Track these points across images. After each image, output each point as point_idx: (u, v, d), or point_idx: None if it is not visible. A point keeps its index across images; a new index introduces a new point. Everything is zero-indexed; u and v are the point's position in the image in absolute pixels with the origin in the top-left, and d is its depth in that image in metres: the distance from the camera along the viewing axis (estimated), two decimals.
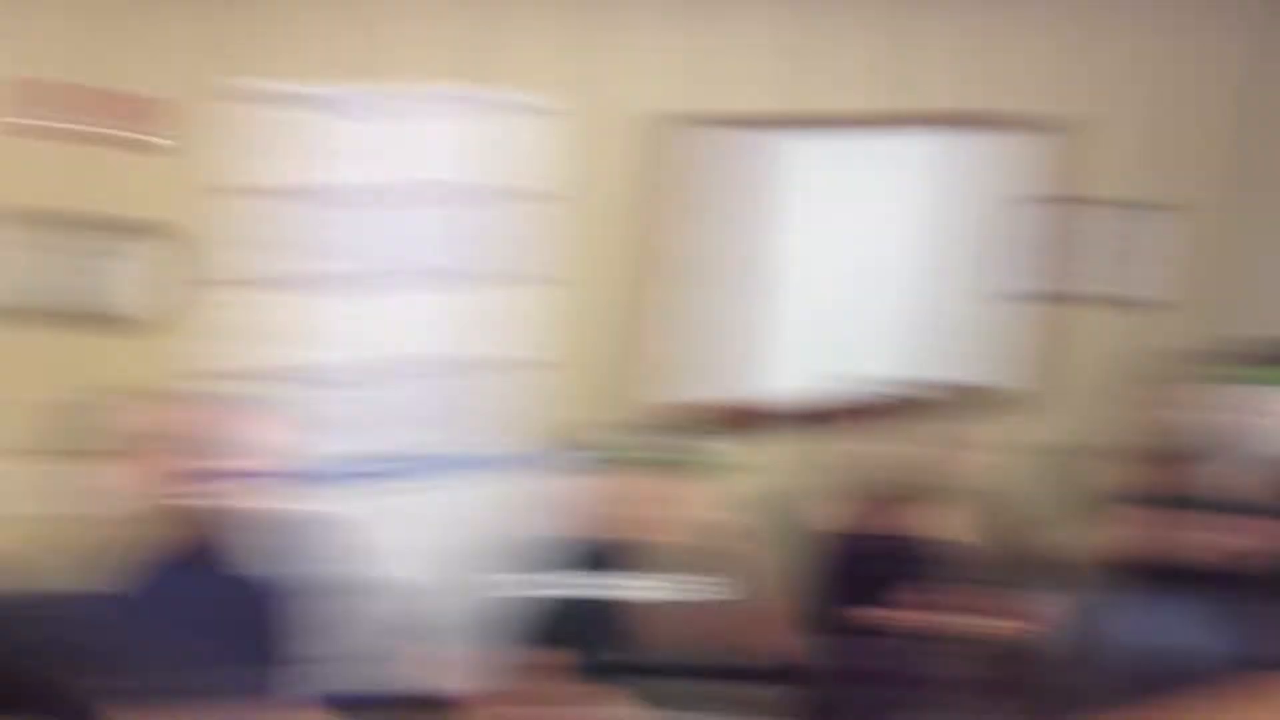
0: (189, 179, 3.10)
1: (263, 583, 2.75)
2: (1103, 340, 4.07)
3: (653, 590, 3.13)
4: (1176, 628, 3.45)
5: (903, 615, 3.29)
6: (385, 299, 3.34)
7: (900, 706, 3.29)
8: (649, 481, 3.13)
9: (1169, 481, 3.64)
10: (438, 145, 3.34)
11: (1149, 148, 4.08)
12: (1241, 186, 4.18)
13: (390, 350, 3.37)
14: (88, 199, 3.02)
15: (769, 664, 3.17)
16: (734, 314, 3.69)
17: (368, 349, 3.35)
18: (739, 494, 3.48)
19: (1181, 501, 3.60)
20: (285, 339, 3.25)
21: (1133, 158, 4.05)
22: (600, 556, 3.13)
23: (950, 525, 3.49)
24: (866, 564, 3.41)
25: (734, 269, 3.66)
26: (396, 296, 3.35)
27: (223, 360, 3.14)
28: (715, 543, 3.17)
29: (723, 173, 3.62)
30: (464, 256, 3.40)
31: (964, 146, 3.85)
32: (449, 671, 3.11)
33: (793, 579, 3.49)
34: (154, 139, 3.04)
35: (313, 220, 3.24)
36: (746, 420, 3.69)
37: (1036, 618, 3.42)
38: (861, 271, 3.82)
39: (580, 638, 3.02)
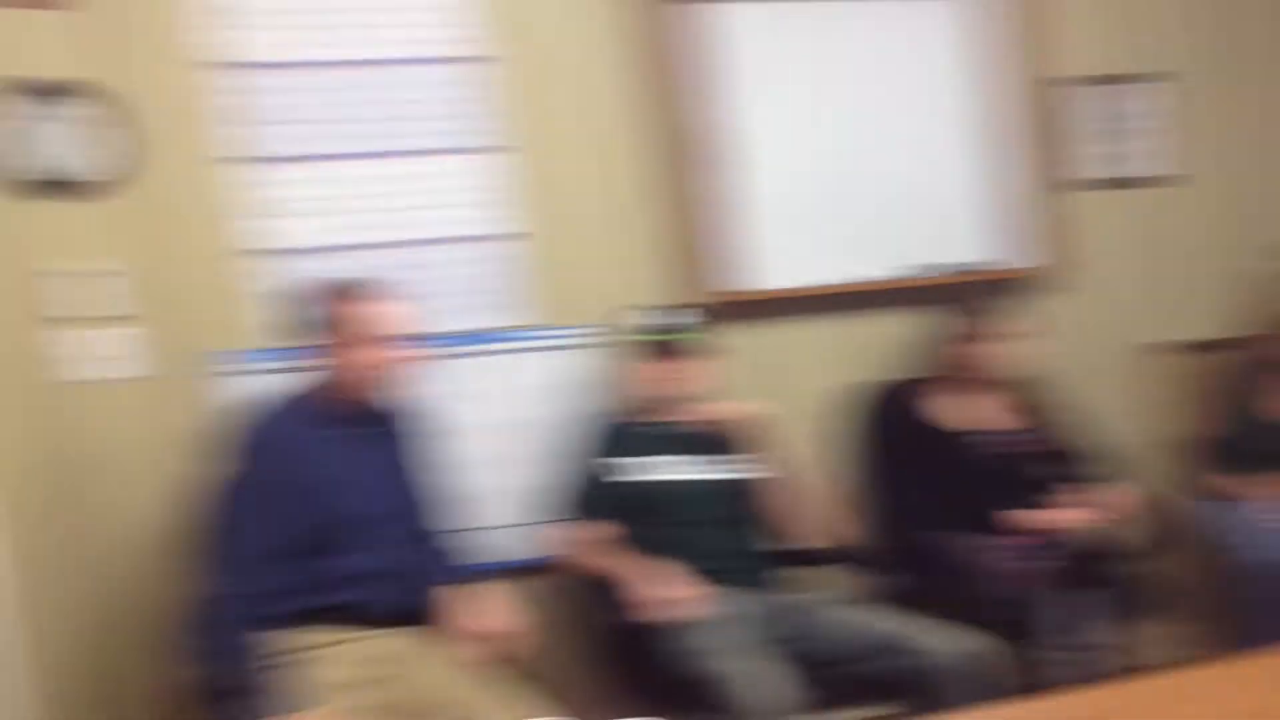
0: (132, 44, 2.97)
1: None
2: (1120, 221, 3.90)
3: (698, 468, 3.11)
4: None
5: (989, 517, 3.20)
6: (395, 168, 3.20)
7: (992, 601, 3.16)
8: (686, 362, 3.12)
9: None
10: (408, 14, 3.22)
11: (1129, 18, 3.93)
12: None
13: (425, 224, 3.24)
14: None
15: (822, 546, 3.17)
16: (753, 196, 3.50)
17: (383, 223, 3.20)
18: (765, 378, 3.49)
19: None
20: (258, 204, 3.10)
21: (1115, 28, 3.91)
22: (649, 434, 3.12)
23: (1010, 413, 3.41)
24: (929, 450, 3.33)
25: (748, 148, 3.49)
26: (410, 166, 3.22)
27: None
28: (754, 426, 3.12)
29: (702, 38, 3.45)
30: (456, 127, 3.25)
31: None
32: (538, 540, 3.17)
33: (847, 464, 3.45)
34: None
35: (272, 80, 3.10)
36: (772, 306, 3.55)
37: (1121, 509, 3.31)
38: (859, 151, 3.63)
39: (636, 513, 3.02)
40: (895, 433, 3.38)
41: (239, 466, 2.59)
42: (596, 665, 3.07)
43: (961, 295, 3.47)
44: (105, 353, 2.93)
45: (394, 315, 2.72)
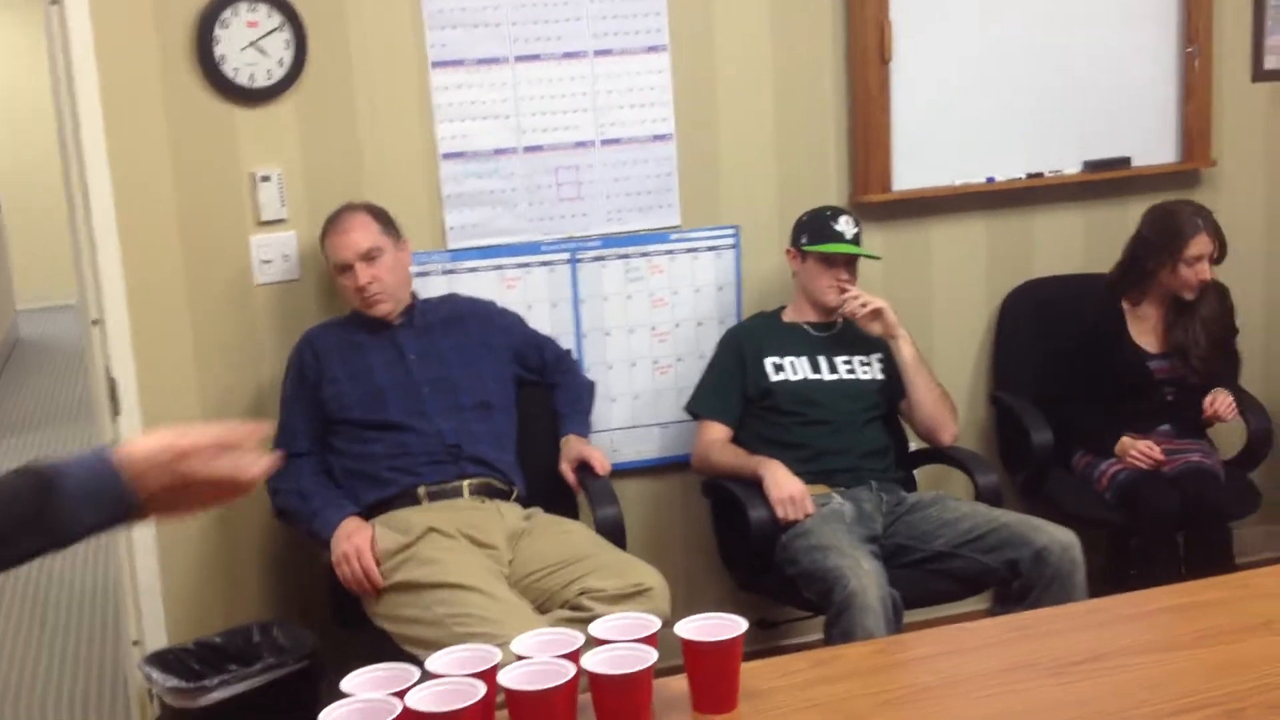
0: None
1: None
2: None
3: (836, 367, 3.16)
4: None
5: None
6: (548, 71, 3.23)
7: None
8: (839, 264, 3.12)
9: None
10: None
11: None
12: None
13: (583, 125, 3.27)
14: None
15: (951, 446, 3.19)
16: (915, 94, 3.47)
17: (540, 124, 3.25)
18: (919, 279, 3.51)
19: None
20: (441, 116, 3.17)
21: None
22: (791, 334, 3.17)
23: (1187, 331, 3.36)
24: (1090, 359, 3.37)
25: (911, 44, 3.44)
26: (569, 68, 3.24)
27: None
28: (894, 325, 3.14)
29: None
30: (614, 27, 3.26)
31: None
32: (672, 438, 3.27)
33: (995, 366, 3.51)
34: None
35: None
36: (930, 205, 3.54)
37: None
38: (1029, 47, 3.55)
39: (770, 412, 3.10)
40: (1077, 338, 3.37)
41: (288, 375, 2.93)
42: (718, 561, 3.21)
43: (1156, 212, 3.35)
44: (273, 255, 3.06)
45: (352, 240, 2.87)
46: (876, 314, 3.10)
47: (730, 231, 3.39)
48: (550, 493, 2.98)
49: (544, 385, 3.13)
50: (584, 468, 2.97)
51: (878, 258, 3.31)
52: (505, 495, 2.88)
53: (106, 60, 2.92)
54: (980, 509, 2.95)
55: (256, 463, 1.37)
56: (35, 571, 4.47)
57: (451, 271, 3.20)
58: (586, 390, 3.17)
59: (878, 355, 3.18)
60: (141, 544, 3.06)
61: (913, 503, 3.04)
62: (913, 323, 3.27)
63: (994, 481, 3.09)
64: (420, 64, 3.12)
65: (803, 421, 3.09)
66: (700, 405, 3.19)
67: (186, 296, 3.05)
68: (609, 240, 3.32)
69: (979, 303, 3.60)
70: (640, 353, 3.37)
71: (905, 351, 3.13)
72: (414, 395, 2.89)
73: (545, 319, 3.27)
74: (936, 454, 3.25)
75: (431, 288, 3.15)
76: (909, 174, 3.47)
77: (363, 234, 2.90)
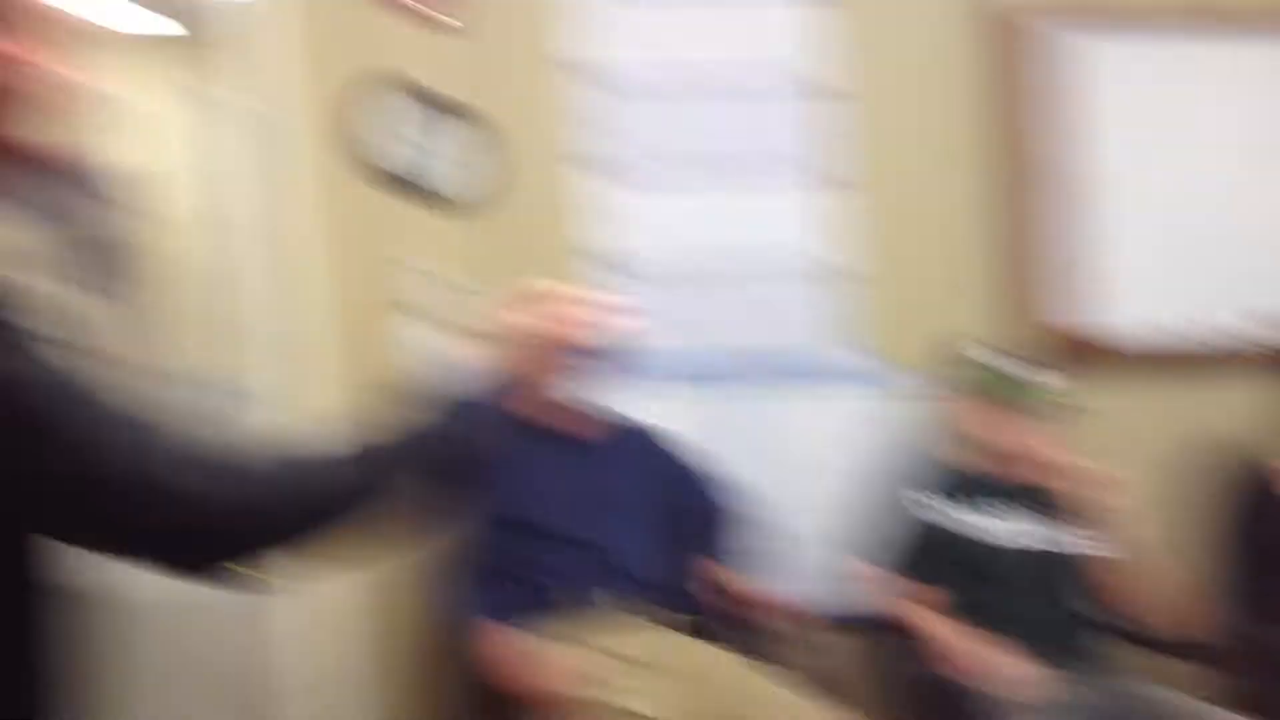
0: (499, 59, 3.08)
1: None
2: None
3: (1032, 531, 2.91)
4: None
5: None
6: (711, 193, 3.20)
7: None
8: (1031, 416, 2.90)
9: None
10: (760, 34, 3.20)
11: None
12: None
13: (724, 247, 3.22)
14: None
15: (1166, 634, 2.88)
16: (1101, 233, 3.32)
17: (690, 244, 3.21)
18: (1105, 440, 3.16)
19: None
20: (605, 226, 3.15)
21: None
22: (967, 487, 2.94)
23: None
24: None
25: (1077, 181, 3.32)
26: (725, 191, 3.20)
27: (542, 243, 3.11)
28: (1089, 491, 2.89)
29: (1059, 74, 3.29)
30: (798, 154, 3.22)
31: None
32: (845, 590, 3.05)
33: (1197, 543, 3.18)
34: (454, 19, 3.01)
35: (631, 107, 3.15)
36: (1120, 359, 3.34)
37: None
38: (1203, 195, 3.39)
39: (957, 572, 2.85)
40: (1257, 518, 3.09)
41: None
42: None
43: None
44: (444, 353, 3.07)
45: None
46: (1081, 482, 2.90)
47: (906, 369, 3.20)
48: (728, 628, 2.81)
49: (720, 517, 3.00)
50: (763, 607, 2.84)
51: (1052, 393, 3.00)
52: (679, 624, 2.74)
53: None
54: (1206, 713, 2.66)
55: None
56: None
57: (641, 391, 3.08)
58: (765, 528, 3.02)
59: (1085, 522, 2.93)
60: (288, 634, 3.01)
61: (1129, 695, 2.75)
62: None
63: (1223, 682, 2.81)
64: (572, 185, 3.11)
65: (997, 587, 2.86)
66: (878, 557, 2.95)
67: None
68: (774, 373, 3.23)
69: (1169, 470, 3.29)
70: (802, 494, 3.21)
71: (1115, 524, 2.90)
72: (589, 506, 2.80)
73: (727, 449, 3.10)
74: (1153, 640, 2.92)
75: (618, 405, 3.01)
76: (1099, 317, 3.31)
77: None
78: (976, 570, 2.84)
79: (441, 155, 3.02)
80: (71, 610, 1.29)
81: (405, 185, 3.00)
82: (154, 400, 1.21)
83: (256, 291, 2.93)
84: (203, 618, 4.70)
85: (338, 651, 3.06)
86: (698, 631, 2.73)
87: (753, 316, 3.18)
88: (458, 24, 3.04)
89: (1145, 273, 3.33)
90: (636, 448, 2.98)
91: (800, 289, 3.19)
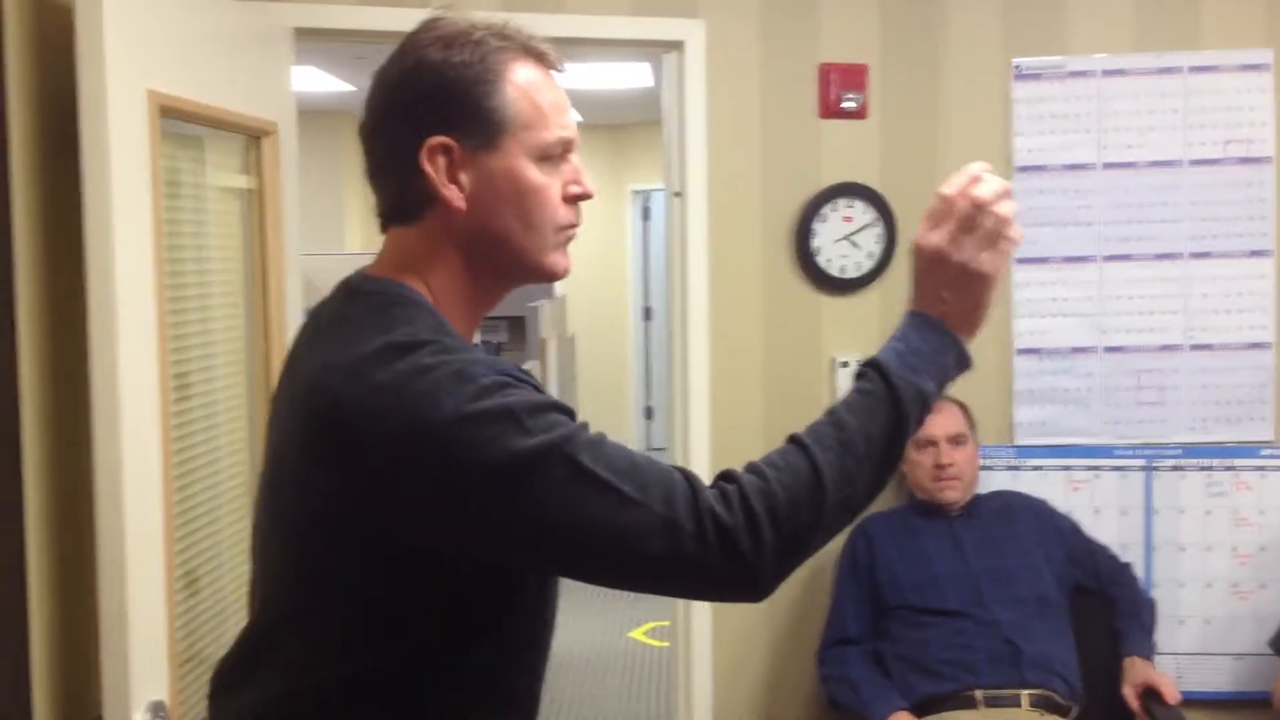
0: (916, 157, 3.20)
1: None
2: None
3: None
4: None
5: None
6: (1154, 270, 3.20)
7: None
8: None
9: None
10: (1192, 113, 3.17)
11: None
12: None
13: (1177, 328, 3.21)
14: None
15: None
16: None
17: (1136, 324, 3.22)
18: None
19: None
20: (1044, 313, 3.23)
21: None
22: None
23: None
24: None
25: None
26: (1167, 268, 3.20)
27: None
28: None
29: None
30: (1220, 229, 3.17)
31: None
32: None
33: None
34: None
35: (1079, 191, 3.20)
36: None
37: None
38: None
39: None
40: None
41: (841, 561, 3.01)
42: None
43: None
44: None
45: (940, 420, 2.92)
46: None
47: None
48: (1107, 716, 2.83)
49: (1100, 596, 3.00)
50: (1149, 694, 2.80)
51: None
52: (1064, 712, 2.75)
53: (716, 243, 3.19)
54: None
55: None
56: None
57: (1016, 468, 3.18)
58: (1147, 607, 2.99)
59: None
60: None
61: None
62: None
63: None
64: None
65: None
66: None
67: None
68: (1190, 450, 3.17)
69: None
70: (1217, 574, 3.16)
71: None
72: (971, 585, 2.85)
73: (1112, 527, 3.15)
74: None
75: (994, 482, 3.14)
76: None
77: (950, 418, 2.97)
78: None
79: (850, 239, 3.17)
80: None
81: (831, 278, 3.17)
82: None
83: (699, 374, 3.17)
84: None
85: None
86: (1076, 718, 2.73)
87: (1145, 386, 3.18)
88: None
89: None
90: (1027, 519, 3.00)
91: (1206, 361, 3.17)
